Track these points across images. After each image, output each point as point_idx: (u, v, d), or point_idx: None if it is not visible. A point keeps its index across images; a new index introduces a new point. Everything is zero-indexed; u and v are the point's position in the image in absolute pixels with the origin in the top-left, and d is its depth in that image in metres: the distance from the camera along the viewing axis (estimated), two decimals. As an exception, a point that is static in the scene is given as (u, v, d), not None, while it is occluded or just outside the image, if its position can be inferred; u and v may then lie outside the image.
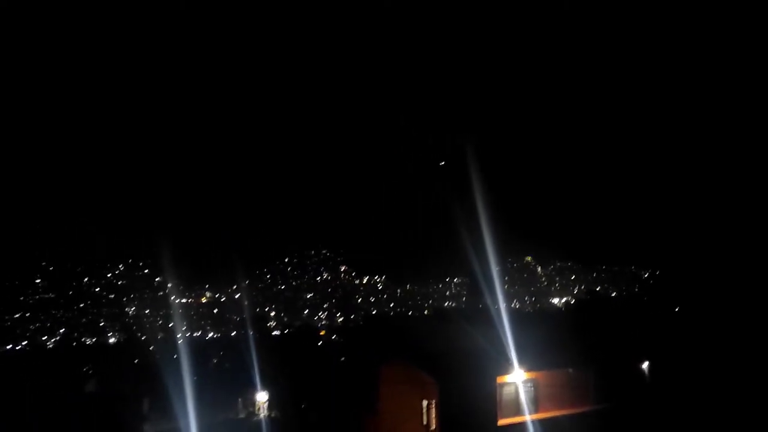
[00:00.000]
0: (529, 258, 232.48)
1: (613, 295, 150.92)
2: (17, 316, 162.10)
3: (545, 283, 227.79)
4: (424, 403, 29.80)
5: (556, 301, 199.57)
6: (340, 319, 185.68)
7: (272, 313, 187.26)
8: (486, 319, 33.20)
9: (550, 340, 34.96)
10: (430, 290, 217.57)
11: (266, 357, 60.85)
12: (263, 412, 51.11)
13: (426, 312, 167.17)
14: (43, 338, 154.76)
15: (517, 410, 30.38)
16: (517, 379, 30.38)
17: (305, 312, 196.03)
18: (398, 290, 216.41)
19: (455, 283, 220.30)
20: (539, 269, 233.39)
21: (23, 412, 31.67)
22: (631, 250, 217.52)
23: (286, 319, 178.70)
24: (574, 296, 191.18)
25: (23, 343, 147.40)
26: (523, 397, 30.51)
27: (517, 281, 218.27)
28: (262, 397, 52.58)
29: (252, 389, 53.03)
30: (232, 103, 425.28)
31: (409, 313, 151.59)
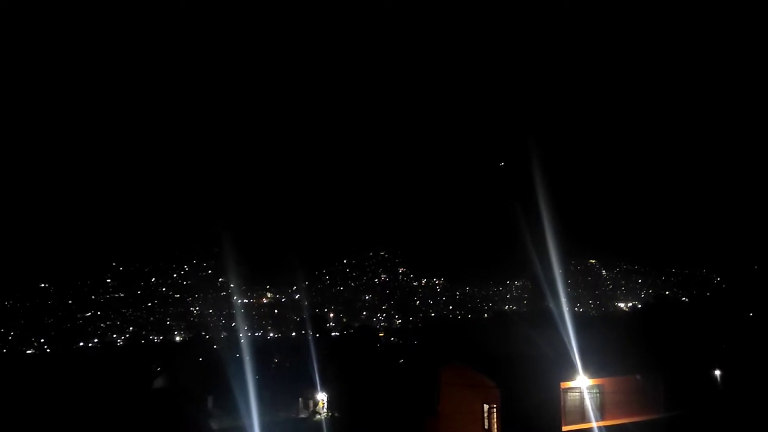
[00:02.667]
0: (593, 261, 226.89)
1: (683, 299, 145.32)
2: (89, 314, 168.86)
3: (610, 286, 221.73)
4: (485, 407, 29.29)
5: (622, 305, 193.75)
6: (399, 321, 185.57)
7: (331, 314, 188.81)
8: (549, 323, 32.37)
9: (616, 345, 33.88)
10: (490, 293, 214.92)
11: (326, 357, 61.22)
12: (323, 412, 51.37)
13: (486, 315, 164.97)
14: (114, 336, 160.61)
15: (582, 417, 29.50)
16: (582, 384, 29.49)
17: (364, 313, 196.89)
18: (457, 292, 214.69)
19: (516, 286, 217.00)
20: (604, 272, 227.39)
21: (95, 407, 32.74)
22: (702, 253, 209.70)
23: (345, 320, 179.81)
24: (641, 300, 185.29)
25: (95, 341, 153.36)
26: (588, 404, 29.60)
27: (581, 284, 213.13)
28: (321, 397, 52.86)
29: (312, 389, 53.34)
30: (295, 106, 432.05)
31: (469, 316, 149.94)
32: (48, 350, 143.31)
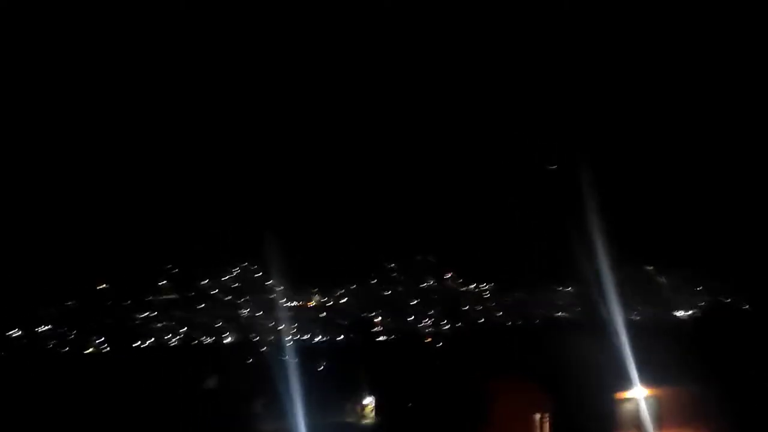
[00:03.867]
0: (649, 267, 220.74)
1: (745, 307, 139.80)
2: (143, 315, 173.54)
3: (669, 293, 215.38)
4: (537, 416, 28.72)
5: (680, 313, 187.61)
6: (446, 327, 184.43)
7: (378, 319, 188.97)
8: (603, 331, 31.51)
9: (674, 354, 32.69)
10: (541, 299, 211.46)
11: (373, 362, 61.25)
12: (370, 417, 51.32)
13: (536, 322, 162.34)
14: (167, 337, 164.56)
15: (638, 428, 28.64)
16: (637, 395, 28.61)
17: (411, 318, 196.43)
18: (506, 298, 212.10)
19: (567, 293, 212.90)
20: (662, 278, 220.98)
21: (151, 405, 33.50)
22: (764, 258, 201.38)
23: (392, 325, 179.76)
24: (700, 308, 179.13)
25: (149, 341, 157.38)
26: (644, 415, 28.70)
27: (636, 291, 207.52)
28: (368, 401, 52.84)
29: (359, 393, 53.42)
30: (335, 107, 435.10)
31: (519, 323, 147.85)
32: (106, 350, 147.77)
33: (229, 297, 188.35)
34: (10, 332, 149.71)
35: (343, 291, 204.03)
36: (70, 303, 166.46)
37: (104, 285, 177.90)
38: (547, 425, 27.94)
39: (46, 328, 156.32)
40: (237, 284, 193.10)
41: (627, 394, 28.40)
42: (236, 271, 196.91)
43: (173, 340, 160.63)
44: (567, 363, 30.55)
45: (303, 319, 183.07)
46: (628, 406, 28.44)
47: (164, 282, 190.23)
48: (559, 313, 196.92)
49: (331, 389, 53.43)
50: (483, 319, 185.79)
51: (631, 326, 31.52)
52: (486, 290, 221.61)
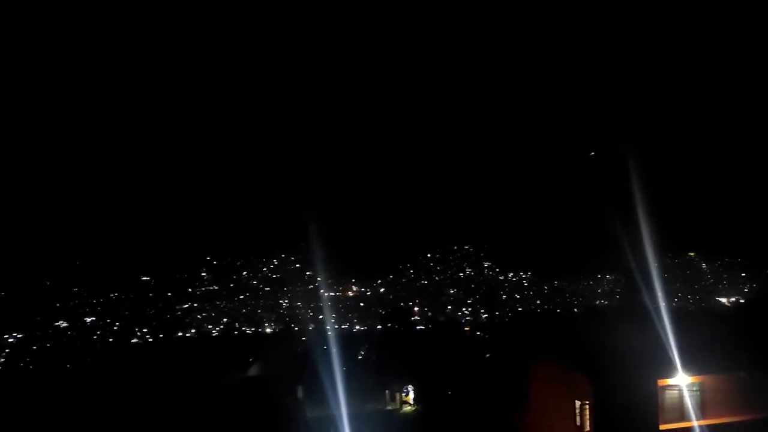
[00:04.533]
0: (692, 253, 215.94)
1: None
2: (186, 306, 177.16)
3: (711, 280, 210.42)
4: (577, 403, 28.51)
5: (723, 300, 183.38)
6: (485, 316, 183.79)
7: (416, 308, 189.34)
8: (645, 318, 31.10)
9: (718, 341, 32.10)
10: (580, 287, 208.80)
11: (411, 351, 61.46)
12: (409, 405, 51.64)
13: (576, 310, 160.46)
14: (209, 327, 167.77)
15: (681, 415, 28.20)
16: (680, 382, 28.17)
17: (449, 307, 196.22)
18: (545, 287, 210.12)
19: (608, 280, 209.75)
20: (704, 265, 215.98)
21: (196, 393, 34.28)
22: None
23: (430, 314, 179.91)
24: (744, 295, 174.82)
25: (192, 331, 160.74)
26: (687, 402, 28.25)
27: (679, 278, 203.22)
28: (407, 390, 53.15)
29: (398, 382, 53.72)
30: (373, 98, 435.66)
31: (557, 311, 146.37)
32: (150, 340, 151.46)
33: (269, 287, 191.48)
34: (57, 323, 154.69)
35: (381, 281, 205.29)
36: (114, 295, 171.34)
37: (147, 277, 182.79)
38: (587, 412, 27.74)
39: (91, 319, 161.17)
40: (277, 275, 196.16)
41: (670, 381, 27.99)
42: (276, 261, 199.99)
43: (215, 330, 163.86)
44: (608, 350, 30.29)
45: (342, 308, 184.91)
46: (670, 394, 28.05)
47: (205, 273, 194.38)
48: (600, 301, 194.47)
49: (370, 377, 53.82)
50: (521, 308, 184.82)
51: (673, 313, 31.05)
52: (524, 279, 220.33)
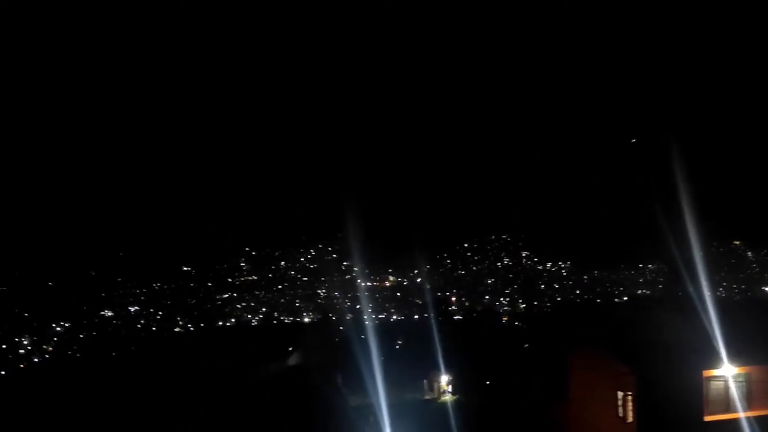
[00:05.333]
0: (737, 242, 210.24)
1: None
2: (226, 296, 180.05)
3: (757, 269, 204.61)
4: (620, 394, 28.13)
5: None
6: (523, 305, 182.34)
7: (453, 298, 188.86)
8: (689, 308, 30.41)
9: (764, 332, 31.20)
10: (621, 276, 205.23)
11: (449, 340, 61.32)
12: (447, 395, 51.60)
13: (617, 299, 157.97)
14: (248, 316, 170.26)
15: (727, 406, 27.62)
16: (726, 373, 27.55)
17: (487, 297, 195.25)
18: (584, 276, 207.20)
19: (650, 270, 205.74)
20: (749, 254, 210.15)
21: (234, 383, 34.84)
22: None
23: (467, 304, 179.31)
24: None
25: (231, 321, 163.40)
26: (733, 393, 27.64)
27: (724, 267, 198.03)
28: (445, 379, 53.11)
29: (436, 371, 53.73)
30: (417, 94, 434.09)
31: (598, 301, 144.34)
32: (191, 329, 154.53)
33: (307, 277, 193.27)
34: (103, 312, 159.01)
35: (418, 271, 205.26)
36: (156, 285, 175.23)
37: (188, 267, 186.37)
38: (630, 404, 27.35)
39: (135, 309, 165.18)
40: (314, 265, 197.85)
41: (715, 372, 27.41)
42: (313, 252, 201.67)
43: (254, 319, 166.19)
44: (651, 341, 29.73)
45: (379, 298, 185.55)
46: (716, 385, 27.48)
47: (244, 264, 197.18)
48: (641, 291, 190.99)
49: (408, 367, 53.95)
50: (560, 298, 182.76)
51: (718, 303, 30.31)
52: (563, 268, 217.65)
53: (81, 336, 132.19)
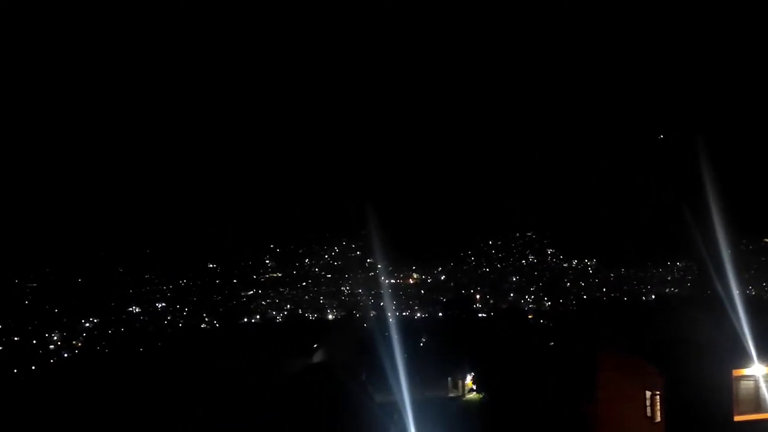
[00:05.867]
0: (767, 239, 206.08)
1: None
2: (250, 292, 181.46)
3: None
4: (648, 393, 27.83)
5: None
6: (548, 303, 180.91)
7: (478, 296, 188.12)
8: (718, 307, 29.98)
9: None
10: (648, 275, 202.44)
11: (473, 338, 61.13)
12: (472, 393, 51.47)
13: (644, 298, 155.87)
14: (273, 313, 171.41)
15: (757, 406, 27.18)
16: (756, 372, 27.12)
17: (511, 295, 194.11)
18: (611, 274, 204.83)
19: (678, 268, 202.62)
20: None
21: (258, 378, 35.12)
22: None
23: (492, 302, 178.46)
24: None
25: (256, 317, 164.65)
26: (764, 393, 27.19)
27: (753, 265, 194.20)
28: (470, 377, 52.97)
29: (460, 369, 53.62)
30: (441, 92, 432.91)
31: (625, 299, 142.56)
32: (217, 325, 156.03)
33: (331, 274, 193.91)
34: (130, 308, 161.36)
35: (441, 268, 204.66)
36: (182, 282, 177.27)
37: (213, 264, 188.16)
38: (658, 403, 27.03)
39: (162, 305, 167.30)
40: (338, 262, 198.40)
41: (745, 372, 26.97)
42: (337, 249, 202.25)
43: (278, 316, 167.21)
44: (679, 340, 29.37)
45: (403, 295, 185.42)
46: (746, 384, 27.03)
47: (269, 261, 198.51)
48: (670, 289, 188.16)
49: (432, 365, 53.92)
50: (586, 296, 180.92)
51: (747, 302, 29.85)
52: (589, 266, 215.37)
53: (109, 331, 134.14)
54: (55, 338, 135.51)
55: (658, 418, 27.11)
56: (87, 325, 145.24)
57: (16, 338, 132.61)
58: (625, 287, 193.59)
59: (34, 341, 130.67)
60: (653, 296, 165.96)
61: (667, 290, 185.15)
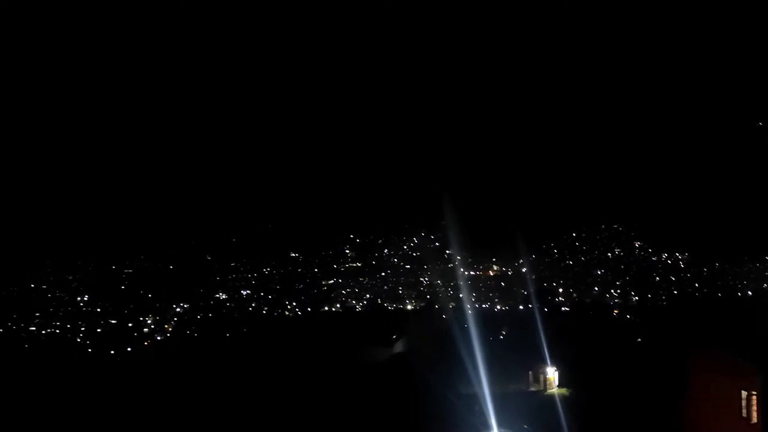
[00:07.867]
0: None
1: None
2: (331, 282, 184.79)
3: None
4: (743, 393, 26.37)
5: None
6: (636, 298, 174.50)
7: (560, 289, 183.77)
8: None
9: None
10: (744, 269, 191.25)
11: (556, 332, 59.77)
12: (554, 388, 50.40)
13: (740, 293, 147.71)
14: (353, 302, 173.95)
15: None
16: None
17: (596, 289, 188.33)
18: (704, 269, 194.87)
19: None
20: None
21: (341, 365, 35.71)
22: None
23: (575, 296, 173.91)
24: None
25: (337, 306, 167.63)
26: None
27: None
28: (551, 372, 51.87)
29: (541, 363, 52.60)
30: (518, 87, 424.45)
31: (719, 295, 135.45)
32: (299, 313, 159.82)
33: (410, 265, 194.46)
34: (218, 295, 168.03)
35: (523, 261, 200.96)
36: (266, 270, 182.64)
37: (296, 254, 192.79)
38: (755, 404, 25.55)
39: (247, 292, 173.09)
40: (417, 253, 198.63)
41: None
42: (416, 240, 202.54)
43: (358, 305, 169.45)
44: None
45: (483, 287, 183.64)
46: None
47: (349, 250, 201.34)
48: (767, 285, 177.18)
49: (512, 358, 53.15)
50: (677, 291, 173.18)
51: None
52: (680, 260, 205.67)
53: (198, 317, 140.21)
54: (149, 322, 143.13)
55: (755, 419, 25.64)
56: (178, 310, 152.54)
57: (113, 321, 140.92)
58: (719, 282, 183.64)
59: (130, 324, 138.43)
60: (749, 292, 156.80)
61: (765, 285, 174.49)
